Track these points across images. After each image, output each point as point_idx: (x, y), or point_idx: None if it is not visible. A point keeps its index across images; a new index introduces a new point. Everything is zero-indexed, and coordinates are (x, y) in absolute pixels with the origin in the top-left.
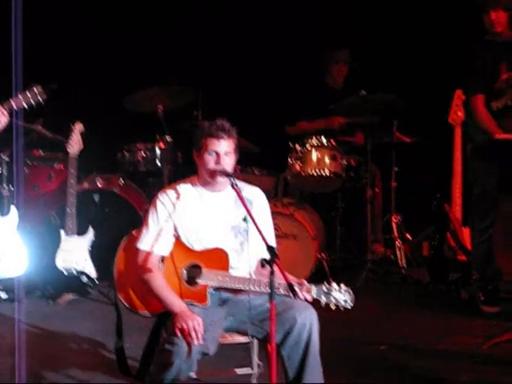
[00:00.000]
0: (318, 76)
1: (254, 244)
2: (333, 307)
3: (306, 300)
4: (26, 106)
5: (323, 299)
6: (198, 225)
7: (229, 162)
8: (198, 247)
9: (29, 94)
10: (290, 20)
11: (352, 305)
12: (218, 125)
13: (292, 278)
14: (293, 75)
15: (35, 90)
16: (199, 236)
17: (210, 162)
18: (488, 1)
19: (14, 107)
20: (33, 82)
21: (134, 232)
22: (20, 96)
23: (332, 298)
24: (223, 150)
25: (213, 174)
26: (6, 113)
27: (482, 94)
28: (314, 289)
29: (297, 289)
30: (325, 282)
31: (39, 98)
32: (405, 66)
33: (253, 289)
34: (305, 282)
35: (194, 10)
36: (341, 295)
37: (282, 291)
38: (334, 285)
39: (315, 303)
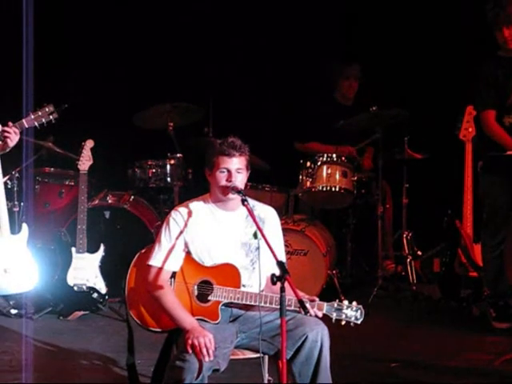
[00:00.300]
0: (328, 92)
1: (264, 262)
2: (343, 323)
3: (317, 316)
4: (37, 125)
5: (334, 315)
6: (210, 242)
7: (240, 179)
8: (208, 264)
9: (40, 114)
10: (301, 36)
11: (361, 320)
12: (229, 142)
13: (303, 295)
14: (303, 92)
15: (47, 109)
16: (210, 253)
17: (222, 179)
18: (500, 17)
19: (26, 126)
20: (44, 100)
21: (145, 249)
22: (32, 115)
23: (343, 315)
24: (234, 168)
25: (224, 190)
26: (17, 131)
27: (492, 109)
28: (325, 306)
29: (308, 305)
30: (336, 300)
31: (51, 117)
32: (416, 81)
33: (264, 305)
34: (316, 298)
35: (205, 27)
36: (352, 312)
37: (292, 307)
38: (346, 302)
39: (325, 319)
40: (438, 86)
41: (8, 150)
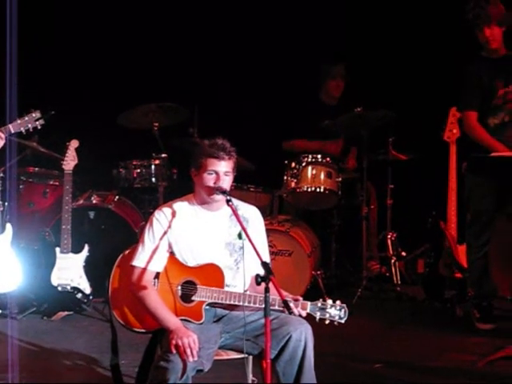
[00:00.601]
0: (313, 93)
1: (248, 261)
2: (326, 322)
3: (301, 316)
4: (23, 131)
5: (318, 315)
6: (193, 242)
7: (227, 182)
8: (192, 264)
9: (27, 119)
10: (287, 36)
11: (345, 319)
12: (218, 145)
13: (287, 295)
14: (288, 92)
15: (33, 115)
16: (194, 253)
17: (210, 181)
18: (481, 17)
19: (12, 131)
20: (29, 104)
21: (129, 249)
22: (18, 121)
23: (326, 314)
24: (223, 170)
25: (210, 191)
26: (3, 136)
27: (474, 110)
28: (309, 305)
29: (291, 305)
30: (320, 299)
31: (37, 123)
32: (400, 82)
33: (248, 305)
34: (300, 298)
35: (189, 27)
36: (336, 311)
37: (276, 307)
38: (329, 301)
39: (309, 319)
40: (422, 87)
41: None
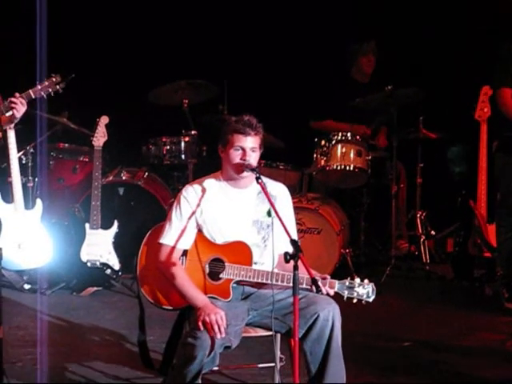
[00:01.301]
0: (344, 70)
1: (277, 239)
2: (354, 301)
3: (328, 294)
4: (44, 96)
5: (345, 293)
6: (221, 220)
7: (254, 158)
8: (220, 242)
9: (47, 84)
10: (316, 13)
11: (373, 297)
12: (245, 121)
13: (315, 273)
14: (319, 69)
15: (54, 79)
16: (222, 231)
17: (236, 157)
18: None
19: (33, 96)
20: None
21: (157, 226)
22: (39, 86)
23: (354, 293)
24: (249, 146)
25: (238, 168)
26: (24, 102)
27: (509, 87)
28: (337, 284)
29: (320, 283)
30: (348, 278)
31: (58, 87)
32: (431, 61)
33: (276, 283)
34: (328, 277)
35: (221, 4)
36: (363, 290)
37: (304, 285)
38: (357, 280)
39: (337, 298)
40: (453, 65)
41: (16, 121)
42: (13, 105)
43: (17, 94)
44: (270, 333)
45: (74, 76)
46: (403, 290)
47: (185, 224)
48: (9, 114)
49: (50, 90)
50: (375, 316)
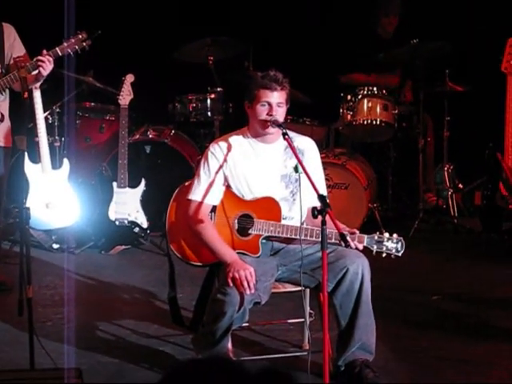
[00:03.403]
0: (368, 26)
1: (305, 193)
2: (383, 255)
3: (357, 249)
4: (71, 53)
5: (374, 248)
6: (249, 175)
7: (281, 113)
8: (248, 197)
9: (73, 41)
10: None
11: (402, 252)
12: (271, 76)
13: (343, 227)
14: (343, 25)
15: (80, 36)
16: (250, 187)
17: (263, 112)
18: None
19: (60, 54)
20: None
21: (185, 183)
22: (65, 43)
23: (383, 247)
24: (276, 101)
25: (264, 124)
26: (51, 60)
27: None
28: (366, 238)
29: (348, 238)
30: (377, 232)
31: (84, 44)
32: (457, 13)
33: (305, 238)
34: (356, 231)
35: None
36: (392, 244)
37: (333, 240)
38: (386, 234)
39: (366, 252)
40: (479, 17)
41: (42, 79)
42: (40, 63)
43: (44, 52)
44: (299, 288)
45: (100, 33)
46: (431, 243)
47: (213, 179)
48: (35, 72)
49: (77, 48)
50: (403, 270)
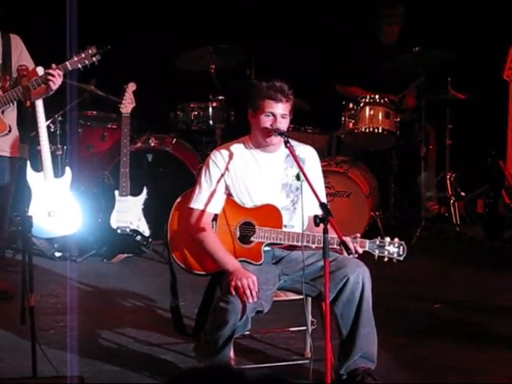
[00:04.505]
0: (370, 34)
1: (306, 202)
2: (385, 259)
3: (358, 254)
4: (81, 68)
5: (376, 252)
6: (250, 184)
7: (284, 124)
8: (249, 206)
9: (83, 56)
10: None
11: (404, 256)
12: (276, 86)
13: (345, 237)
14: (345, 32)
15: (90, 51)
16: (251, 195)
17: (266, 123)
18: None
19: (70, 68)
20: (86, 43)
21: (187, 192)
22: (75, 57)
23: (385, 251)
24: (280, 113)
25: (266, 133)
26: (61, 74)
27: None
28: (367, 243)
29: (350, 244)
30: (378, 237)
31: (94, 59)
32: (459, 21)
33: (307, 244)
34: (358, 235)
35: None
36: (394, 248)
37: (335, 245)
38: (388, 239)
39: (367, 259)
40: (481, 24)
41: (51, 93)
42: (50, 77)
43: (53, 66)
44: (301, 296)
45: (110, 48)
46: (434, 251)
47: (214, 188)
48: (44, 85)
49: (87, 62)
50: (406, 278)
